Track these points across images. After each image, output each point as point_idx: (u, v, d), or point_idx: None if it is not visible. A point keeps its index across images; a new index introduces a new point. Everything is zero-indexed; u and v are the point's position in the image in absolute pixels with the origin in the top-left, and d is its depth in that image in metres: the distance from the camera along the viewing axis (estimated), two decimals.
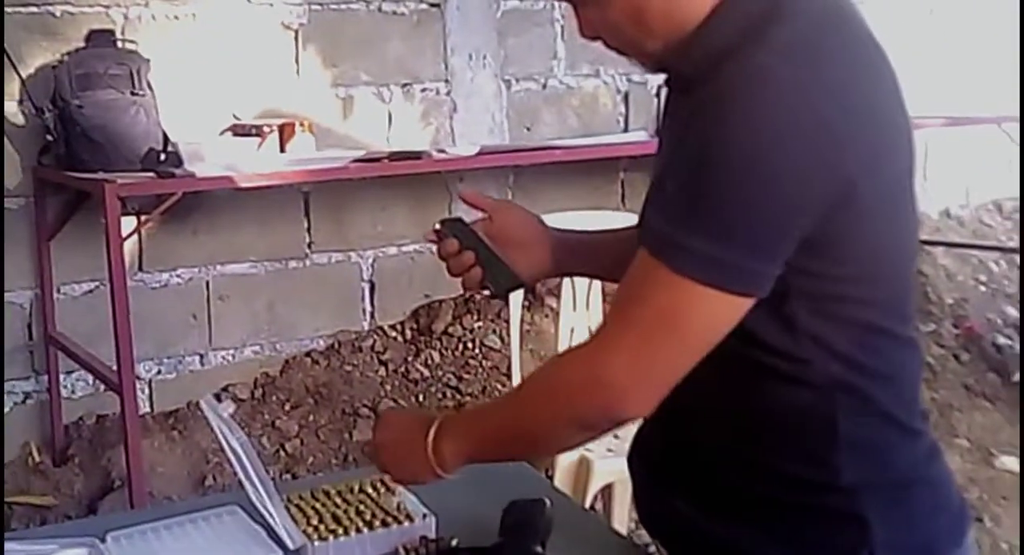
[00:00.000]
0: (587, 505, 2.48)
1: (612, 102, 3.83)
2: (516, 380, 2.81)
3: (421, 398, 3.37)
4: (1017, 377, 3.77)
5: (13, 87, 2.94)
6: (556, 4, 3.68)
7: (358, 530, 1.38)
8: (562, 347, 2.88)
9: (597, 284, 2.89)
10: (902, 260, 1.18)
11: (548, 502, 1.39)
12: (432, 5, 3.51)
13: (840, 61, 1.08)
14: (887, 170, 1.10)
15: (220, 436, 1.36)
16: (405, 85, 3.50)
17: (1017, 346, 3.91)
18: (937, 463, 1.23)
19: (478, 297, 3.65)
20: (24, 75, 2.92)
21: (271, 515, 1.35)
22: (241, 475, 1.38)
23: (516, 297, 2.82)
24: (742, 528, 1.20)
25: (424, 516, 1.41)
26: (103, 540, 1.36)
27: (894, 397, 1.18)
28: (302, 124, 3.12)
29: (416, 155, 3.08)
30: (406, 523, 1.40)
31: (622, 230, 1.50)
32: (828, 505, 1.17)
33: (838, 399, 1.14)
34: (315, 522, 1.40)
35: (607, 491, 2.63)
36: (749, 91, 1.04)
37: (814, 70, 1.05)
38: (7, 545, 1.37)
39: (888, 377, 1.18)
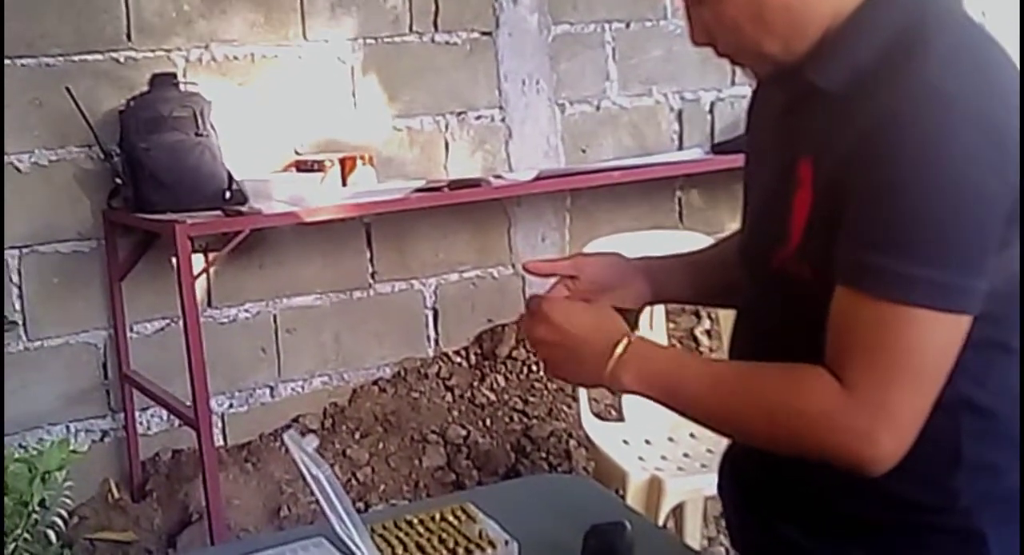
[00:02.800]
0: (660, 524, 2.49)
1: (666, 120, 3.84)
2: (583, 402, 2.80)
3: (488, 422, 3.38)
4: None
5: (82, 132, 3.01)
6: (607, 26, 3.71)
7: None
8: None
9: (660, 306, 2.90)
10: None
11: (628, 525, 1.41)
12: (484, 33, 3.54)
13: (999, 64, 1.09)
14: None
15: (304, 469, 1.39)
16: (460, 113, 3.54)
17: None
18: None
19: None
20: (91, 120, 2.99)
21: (357, 546, 1.37)
22: (326, 507, 1.41)
23: None
24: (854, 551, 1.19)
25: (506, 543, 1.43)
26: None
27: (1011, 415, 1.17)
28: (362, 157, 3.17)
29: (475, 183, 3.12)
30: (488, 550, 1.42)
31: (709, 250, 1.53)
32: (945, 525, 1.16)
33: (963, 420, 1.13)
34: (400, 551, 1.43)
35: (679, 509, 2.63)
36: (926, 111, 1.03)
37: (981, 75, 1.06)
38: None
39: (1008, 394, 1.16)
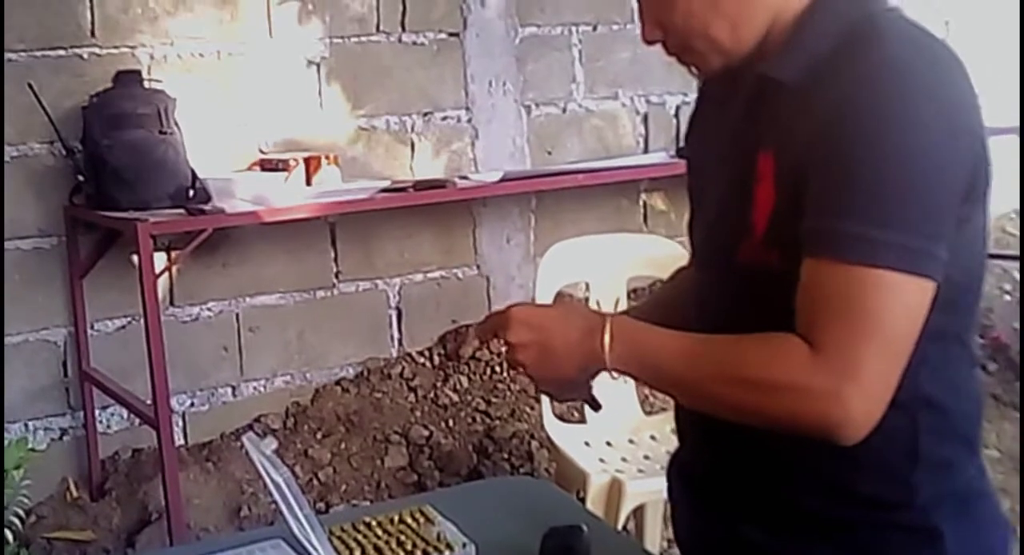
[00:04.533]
0: (620, 526, 2.49)
1: (632, 124, 3.86)
2: (546, 404, 2.82)
3: (451, 423, 3.39)
4: None
5: (44, 128, 2.99)
6: (574, 29, 3.73)
7: None
8: None
9: (623, 305, 2.92)
10: (982, 263, 1.20)
11: (585, 528, 1.42)
12: (451, 34, 3.55)
13: (943, 49, 1.13)
14: (987, 164, 1.13)
15: (263, 472, 1.39)
16: (426, 114, 3.55)
17: None
18: (987, 475, 1.26)
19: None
20: (54, 116, 2.97)
21: (315, 548, 1.37)
22: (284, 509, 1.41)
23: None
24: (816, 549, 1.22)
25: (464, 545, 1.43)
26: None
27: (966, 412, 1.20)
28: (327, 157, 3.16)
29: (441, 184, 3.12)
30: (446, 552, 1.43)
31: (668, 288, 1.55)
32: (904, 521, 1.19)
33: (920, 417, 1.16)
34: (358, 554, 1.43)
35: (639, 512, 2.65)
36: (895, 82, 1.07)
37: (931, 55, 1.11)
38: None
39: (959, 391, 1.19)
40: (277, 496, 1.40)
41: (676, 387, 1.17)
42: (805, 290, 1.09)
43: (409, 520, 1.52)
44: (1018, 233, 4.67)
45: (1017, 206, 4.71)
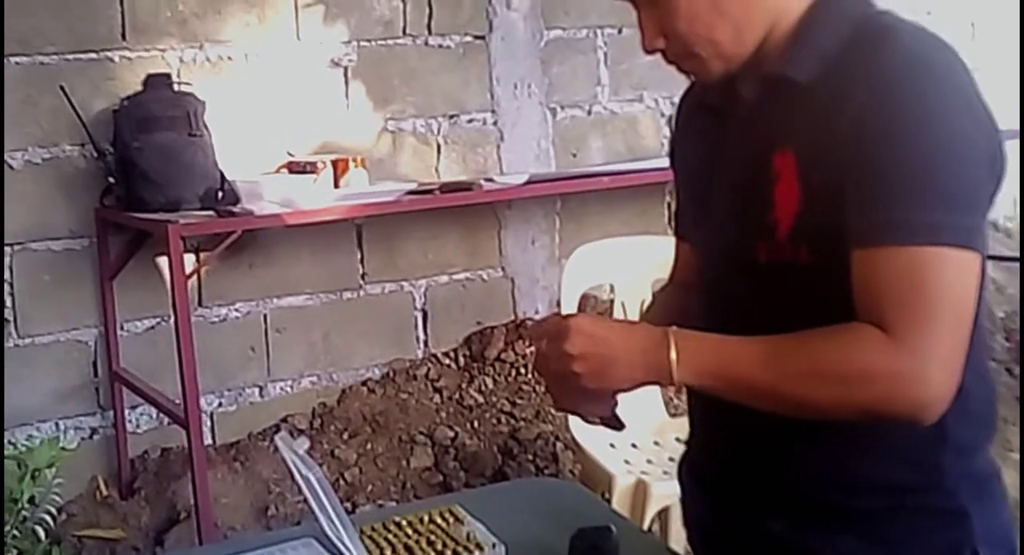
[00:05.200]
0: (645, 528, 2.50)
1: (656, 126, 3.87)
2: None
3: (476, 424, 3.41)
4: None
5: (75, 130, 3.02)
6: (599, 32, 3.73)
7: None
8: None
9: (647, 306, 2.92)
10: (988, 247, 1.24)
11: (613, 529, 1.43)
12: (477, 37, 3.57)
13: (947, 44, 1.17)
14: (1003, 148, 1.18)
15: (295, 471, 1.41)
16: (452, 116, 3.56)
17: None
18: (996, 458, 1.29)
19: (529, 323, 3.70)
20: (85, 119, 3.00)
21: (347, 547, 1.39)
22: (316, 508, 1.43)
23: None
24: (845, 537, 1.23)
25: (494, 545, 1.45)
26: None
27: (986, 395, 1.23)
28: (355, 160, 3.18)
29: (467, 186, 3.15)
30: (476, 552, 1.44)
31: (667, 300, 1.54)
32: (931, 505, 1.22)
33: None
34: (388, 553, 1.45)
35: (664, 513, 2.65)
36: (921, 75, 1.12)
37: (944, 49, 1.16)
38: None
39: (982, 374, 1.22)
40: (309, 495, 1.42)
41: (752, 392, 1.14)
42: (866, 280, 1.11)
43: (439, 520, 1.53)
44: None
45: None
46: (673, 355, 1.14)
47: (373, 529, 1.51)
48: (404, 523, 1.53)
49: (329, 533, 1.45)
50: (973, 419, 1.18)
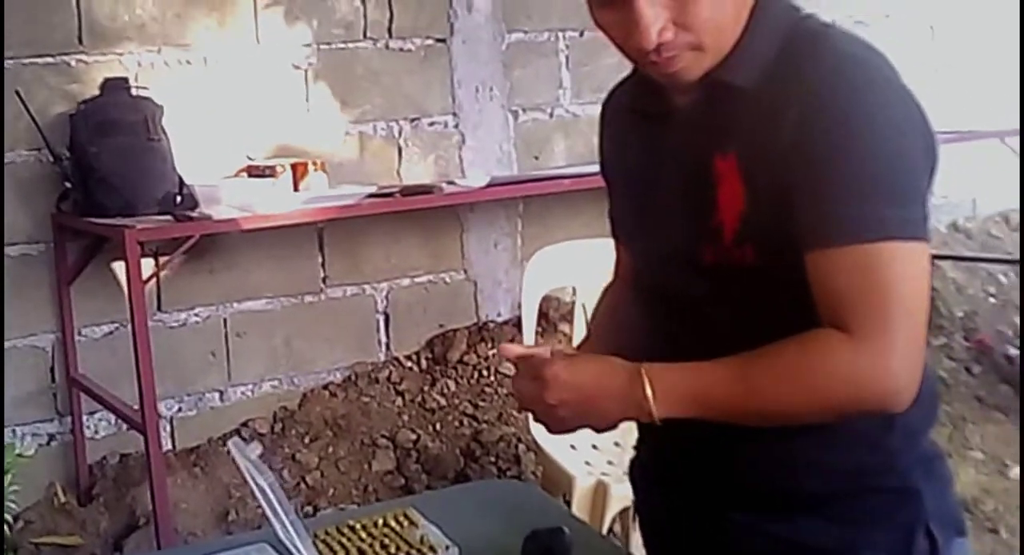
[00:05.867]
0: (605, 530, 2.50)
1: None
2: None
3: (438, 427, 3.40)
4: None
5: (31, 135, 3.00)
6: (561, 35, 3.75)
7: None
8: None
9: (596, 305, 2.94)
10: None
11: (566, 531, 1.43)
12: (438, 40, 3.57)
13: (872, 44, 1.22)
14: (935, 145, 1.21)
15: (248, 477, 1.40)
16: (414, 119, 3.57)
17: None
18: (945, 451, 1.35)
19: (491, 325, 3.71)
20: (41, 123, 2.98)
21: (299, 552, 1.39)
22: (269, 514, 1.43)
23: (529, 324, 2.86)
24: (806, 520, 1.27)
25: (447, 547, 1.45)
26: None
27: (928, 377, 1.24)
28: (314, 163, 3.18)
29: (427, 189, 3.14)
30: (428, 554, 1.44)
31: (607, 313, 1.55)
32: (887, 485, 1.26)
33: None
34: None
35: (625, 514, 2.66)
36: (858, 75, 1.15)
37: (871, 49, 1.19)
38: None
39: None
40: (262, 500, 1.42)
41: (730, 412, 1.17)
42: (822, 282, 1.13)
43: (393, 523, 1.53)
44: (1003, 236, 4.70)
45: (1002, 209, 4.76)
46: (649, 392, 1.17)
47: (327, 533, 1.52)
48: (358, 527, 1.53)
49: (283, 538, 1.44)
50: (918, 403, 1.20)
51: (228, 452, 3.20)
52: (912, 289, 1.12)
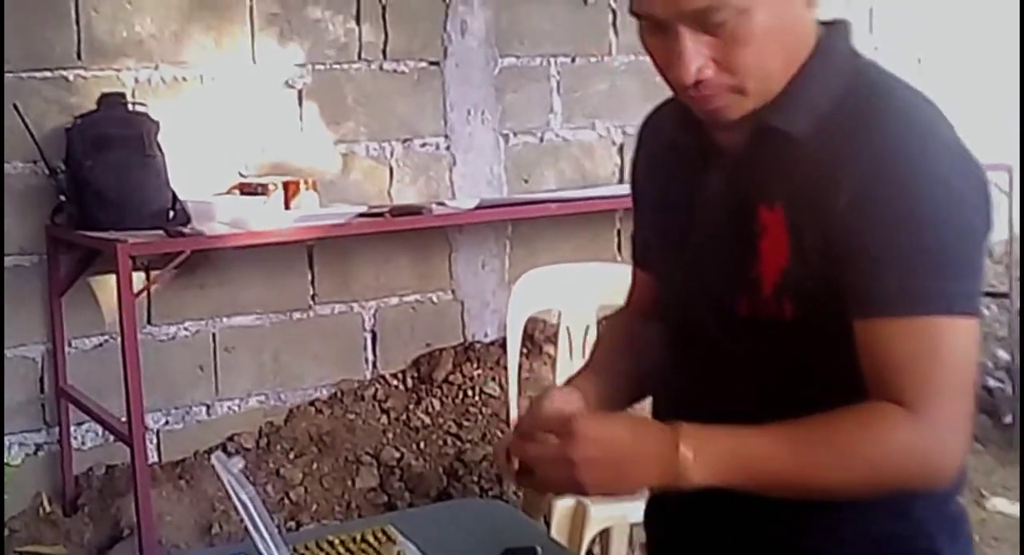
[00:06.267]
0: (584, 550, 2.53)
1: (608, 154, 3.94)
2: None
3: (423, 445, 3.43)
4: (1008, 419, 3.84)
5: (27, 148, 3.03)
6: (552, 60, 3.80)
7: None
8: None
9: (593, 333, 2.97)
10: None
11: (539, 550, 1.47)
12: (431, 63, 3.62)
13: (932, 101, 1.20)
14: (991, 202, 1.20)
15: (230, 490, 1.43)
16: (406, 140, 3.61)
17: (1008, 389, 3.98)
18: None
19: (477, 346, 3.74)
20: (38, 136, 3.02)
21: None
22: (250, 527, 1.46)
23: (513, 345, 2.89)
24: None
25: None
26: None
27: None
28: (306, 181, 3.21)
29: (416, 210, 3.19)
30: None
31: (607, 350, 1.49)
32: (914, 548, 1.24)
33: None
34: None
35: (605, 536, 2.69)
36: (919, 139, 1.13)
37: (933, 105, 1.18)
38: None
39: None
40: (243, 514, 1.45)
41: (776, 484, 1.12)
42: (878, 351, 1.11)
43: (371, 539, 1.56)
44: (985, 268, 4.75)
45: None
46: (689, 455, 1.09)
47: (307, 547, 1.54)
48: (337, 542, 1.56)
49: (263, 551, 1.47)
50: None
51: (211, 451, 3.23)
52: (967, 365, 1.11)
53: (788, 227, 1.15)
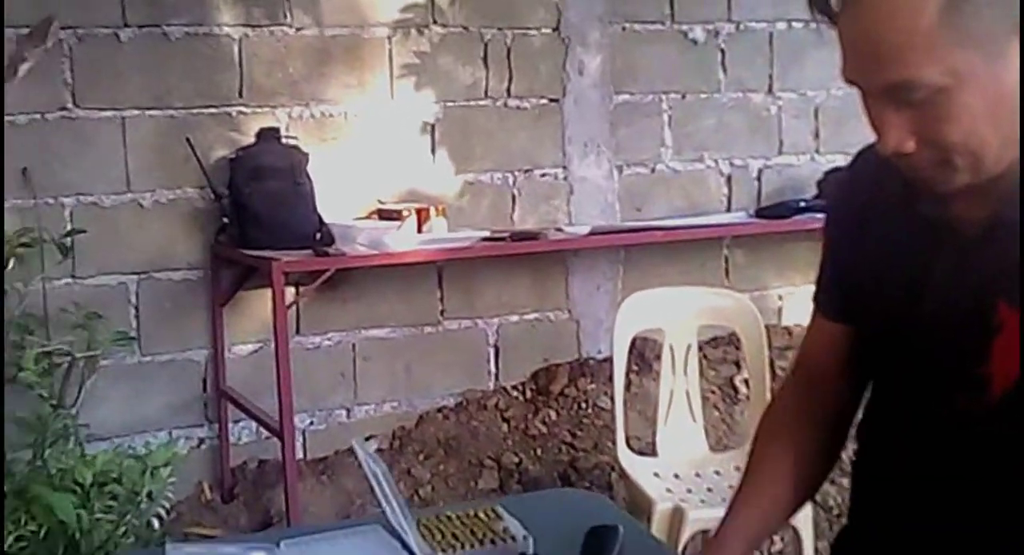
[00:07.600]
0: (680, 549, 2.63)
1: (716, 184, 4.01)
2: (620, 436, 2.96)
3: (539, 452, 3.56)
4: None
5: (197, 176, 3.31)
6: (664, 97, 3.91)
7: (472, 546, 1.70)
8: (662, 408, 3.11)
9: (695, 350, 3.14)
10: None
11: (621, 529, 1.67)
12: (552, 100, 3.78)
13: None
14: None
15: (366, 466, 1.65)
16: (527, 171, 3.77)
17: None
18: None
19: (591, 362, 3.87)
20: (206, 165, 3.29)
21: (405, 532, 1.64)
22: (381, 499, 1.67)
23: (620, 361, 3.00)
24: None
25: (524, 537, 1.72)
26: (278, 546, 1.71)
27: None
28: (436, 208, 3.40)
29: (535, 235, 3.35)
30: (509, 542, 1.70)
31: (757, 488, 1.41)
32: None
33: None
34: (439, 538, 1.73)
35: (700, 537, 2.85)
36: None
37: None
38: (195, 549, 1.70)
39: None
40: (376, 487, 1.66)
41: None
42: None
43: (482, 516, 1.77)
44: None
45: None
46: None
47: (428, 520, 1.78)
48: (453, 517, 1.79)
49: (391, 519, 1.71)
50: None
51: (355, 461, 3.46)
52: None
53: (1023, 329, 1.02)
